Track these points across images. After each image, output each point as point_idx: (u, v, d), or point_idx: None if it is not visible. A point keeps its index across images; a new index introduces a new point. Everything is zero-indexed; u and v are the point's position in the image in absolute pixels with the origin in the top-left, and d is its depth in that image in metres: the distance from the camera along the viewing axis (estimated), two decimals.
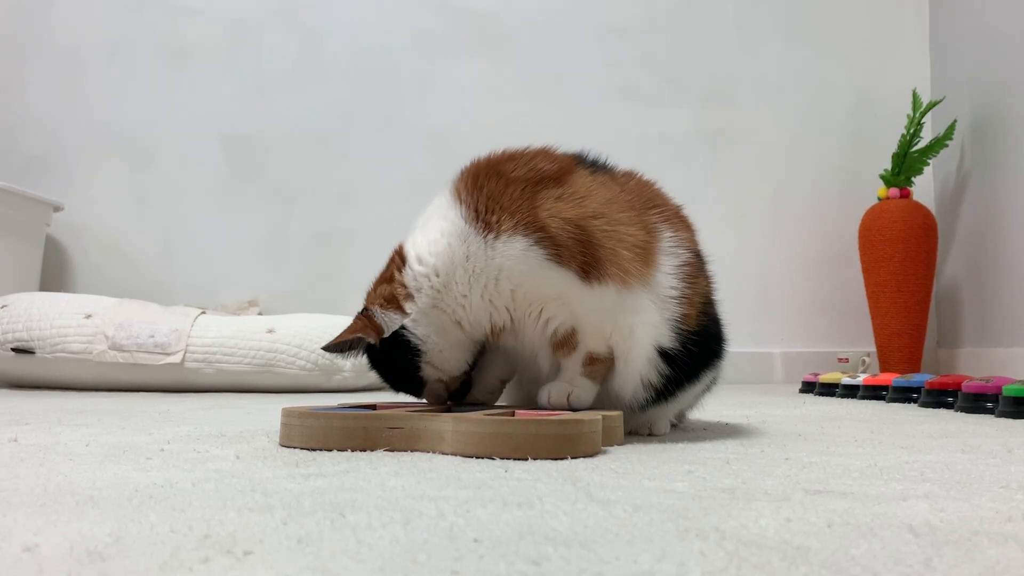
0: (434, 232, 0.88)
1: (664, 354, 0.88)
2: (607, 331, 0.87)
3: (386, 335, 0.89)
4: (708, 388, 1.01)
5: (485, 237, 0.84)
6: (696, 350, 0.90)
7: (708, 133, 2.90)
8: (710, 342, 0.94)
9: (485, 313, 0.87)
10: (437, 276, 0.87)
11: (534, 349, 0.90)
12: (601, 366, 0.89)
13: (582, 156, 0.94)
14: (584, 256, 0.84)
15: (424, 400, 0.94)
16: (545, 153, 0.92)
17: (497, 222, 0.84)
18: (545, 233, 0.84)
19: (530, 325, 0.88)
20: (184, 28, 2.90)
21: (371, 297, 0.92)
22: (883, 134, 2.82)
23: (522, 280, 0.85)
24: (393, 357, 0.89)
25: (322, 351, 0.93)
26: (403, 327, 0.88)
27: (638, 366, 0.88)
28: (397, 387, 0.93)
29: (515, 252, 0.84)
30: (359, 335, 0.88)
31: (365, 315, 0.91)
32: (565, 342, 0.88)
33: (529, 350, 0.91)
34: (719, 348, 0.97)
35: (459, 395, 0.95)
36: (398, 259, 0.92)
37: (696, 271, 0.93)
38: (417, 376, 0.90)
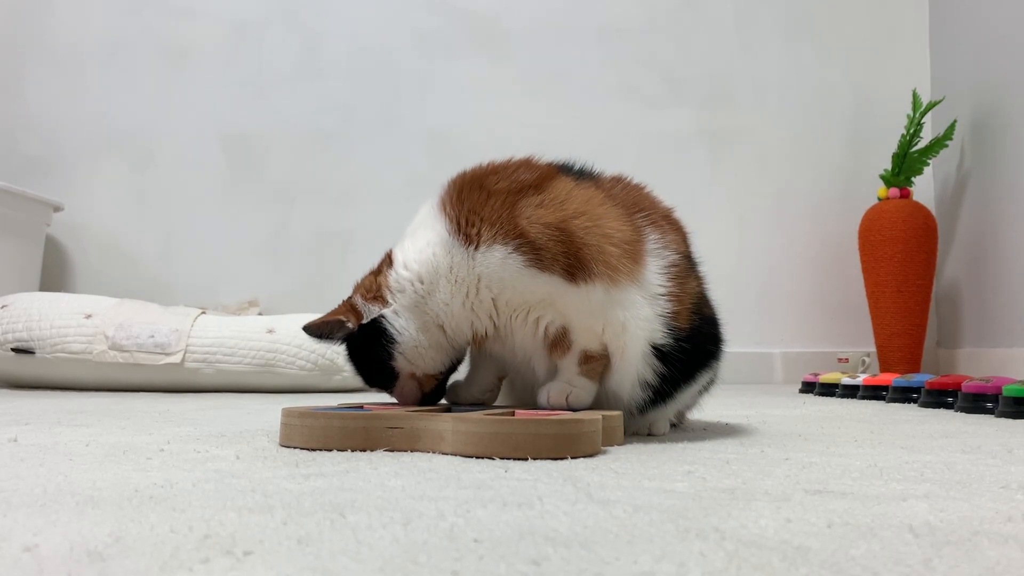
0: (421, 241, 0.91)
1: (658, 352, 0.89)
2: (599, 328, 0.87)
3: (364, 321, 0.92)
4: (706, 388, 1.01)
5: (467, 248, 0.87)
6: (691, 347, 0.90)
7: (708, 133, 2.90)
8: (706, 341, 0.94)
9: (467, 321, 0.89)
10: (421, 283, 0.90)
11: (527, 354, 0.91)
12: (597, 364, 0.89)
13: (567, 165, 0.96)
14: (568, 258, 0.85)
15: (395, 399, 0.96)
16: (527, 163, 0.93)
17: (477, 233, 0.87)
18: (524, 239, 0.85)
19: (519, 328, 0.88)
20: (184, 28, 2.90)
21: (356, 288, 0.96)
22: (883, 134, 2.82)
23: (503, 287, 0.86)
24: (370, 345, 0.92)
25: (304, 330, 0.94)
26: (383, 316, 0.91)
27: (634, 362, 0.88)
28: (369, 379, 0.95)
29: (495, 260, 0.85)
30: (340, 318, 0.92)
31: (348, 302, 0.95)
32: (559, 342, 0.88)
33: (522, 356, 0.91)
34: (716, 348, 0.97)
35: (432, 399, 0.95)
36: (387, 261, 0.95)
37: (685, 272, 0.93)
38: (390, 367, 0.92)
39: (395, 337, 0.90)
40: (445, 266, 0.88)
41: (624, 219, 0.90)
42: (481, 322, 0.89)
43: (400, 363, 0.91)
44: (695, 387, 0.95)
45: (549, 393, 0.88)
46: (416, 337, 0.91)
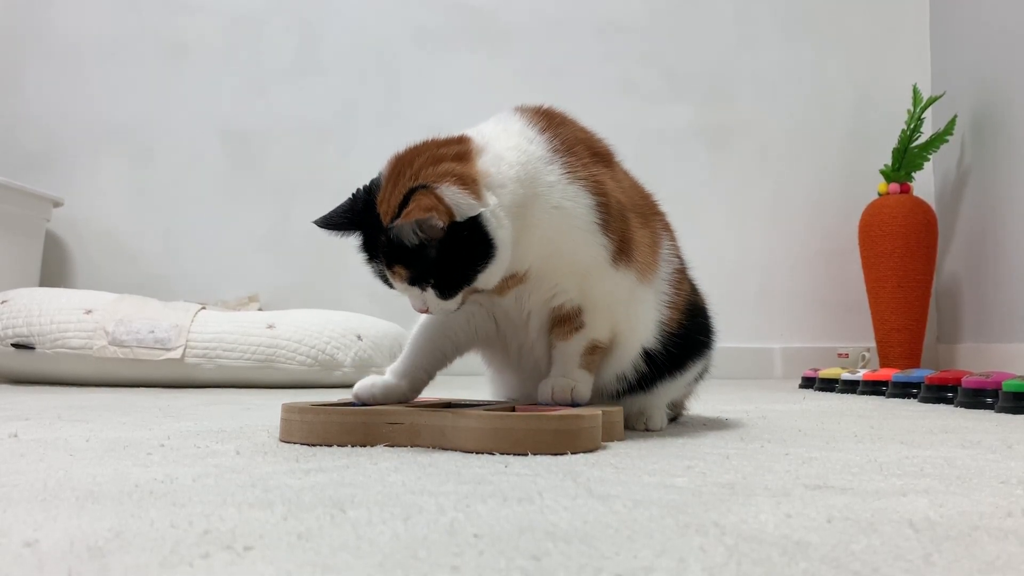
0: (511, 142, 0.82)
1: (645, 352, 0.92)
2: (619, 316, 0.88)
3: (458, 219, 0.75)
4: (700, 376, 1.03)
5: (565, 176, 0.82)
6: (676, 352, 0.93)
7: (708, 129, 2.90)
8: (697, 333, 0.97)
9: (529, 255, 0.83)
10: (521, 188, 0.80)
11: (529, 313, 0.89)
12: (599, 356, 0.90)
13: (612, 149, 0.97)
14: (622, 238, 0.85)
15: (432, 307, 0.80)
16: (593, 133, 0.93)
17: (573, 168, 0.83)
18: (605, 201, 0.84)
19: (541, 294, 0.87)
20: (184, 24, 2.90)
21: (428, 173, 0.77)
22: (883, 129, 2.81)
23: (572, 238, 0.82)
24: (451, 249, 0.75)
25: (395, 230, 0.73)
26: (481, 216, 0.76)
27: (628, 358, 0.91)
28: (416, 280, 0.78)
29: (583, 203, 0.82)
30: (431, 215, 0.72)
31: (430, 193, 0.75)
32: (566, 320, 0.87)
33: (524, 315, 0.89)
34: (706, 339, 0.99)
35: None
36: (464, 143, 0.81)
37: (682, 276, 0.97)
38: (472, 279, 0.78)
39: (494, 247, 0.76)
40: (544, 183, 0.81)
41: (650, 226, 0.93)
42: (536, 266, 0.83)
43: (482, 280, 0.78)
44: (683, 379, 0.97)
45: (553, 388, 0.87)
46: (506, 252, 0.77)
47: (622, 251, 0.85)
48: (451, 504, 0.50)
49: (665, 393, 0.97)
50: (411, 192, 0.76)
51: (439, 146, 0.81)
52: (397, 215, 0.75)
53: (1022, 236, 2.39)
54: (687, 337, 0.94)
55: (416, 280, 0.78)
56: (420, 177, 0.77)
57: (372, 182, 0.82)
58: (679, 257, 0.97)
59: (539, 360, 0.92)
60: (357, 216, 0.80)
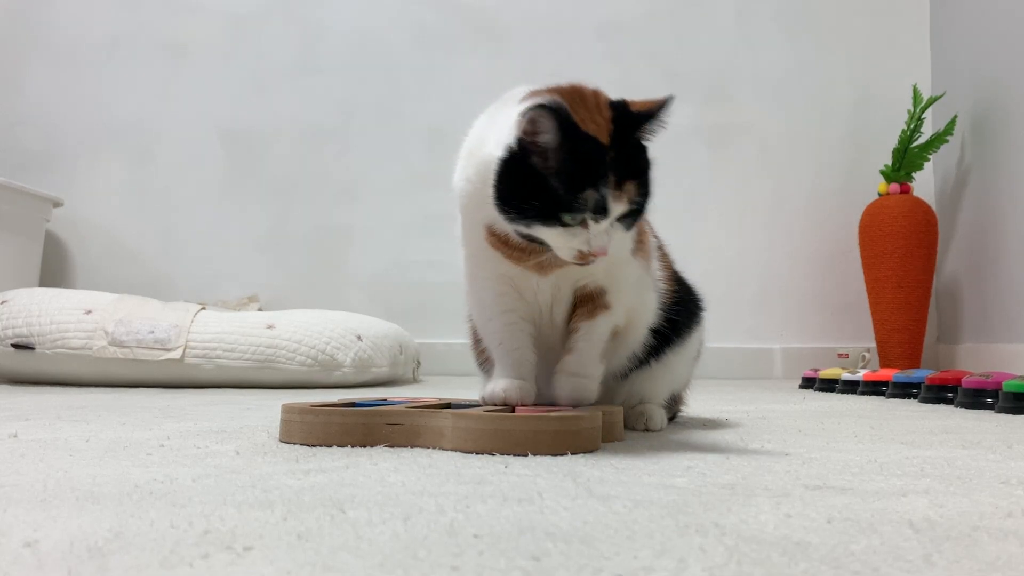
0: None
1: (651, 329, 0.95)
2: (635, 302, 0.91)
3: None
4: (697, 355, 1.04)
5: None
6: (676, 319, 0.95)
7: (708, 128, 2.90)
8: (687, 295, 1.00)
9: None
10: None
11: (555, 298, 0.88)
12: (614, 344, 0.92)
13: None
14: (639, 231, 0.88)
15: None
16: None
17: None
18: None
19: (571, 277, 0.87)
20: (183, 23, 2.90)
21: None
22: (883, 129, 2.81)
23: None
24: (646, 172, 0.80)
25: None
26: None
27: (638, 341, 0.93)
28: (644, 202, 0.80)
29: None
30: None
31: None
32: (591, 298, 0.87)
33: (551, 300, 0.89)
34: (696, 299, 1.02)
35: None
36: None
37: (663, 253, 1.01)
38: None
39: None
40: None
41: None
42: None
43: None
44: (686, 350, 0.98)
45: (573, 389, 0.86)
46: None
47: (640, 240, 0.89)
48: (451, 504, 0.50)
49: (672, 365, 0.97)
50: (616, 107, 0.78)
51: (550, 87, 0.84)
52: (614, 130, 0.76)
53: (1022, 236, 2.39)
54: (681, 303, 0.97)
55: (639, 196, 0.76)
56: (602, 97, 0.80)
57: (544, 102, 0.74)
58: (656, 236, 1.01)
59: (551, 350, 0.91)
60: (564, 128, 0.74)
